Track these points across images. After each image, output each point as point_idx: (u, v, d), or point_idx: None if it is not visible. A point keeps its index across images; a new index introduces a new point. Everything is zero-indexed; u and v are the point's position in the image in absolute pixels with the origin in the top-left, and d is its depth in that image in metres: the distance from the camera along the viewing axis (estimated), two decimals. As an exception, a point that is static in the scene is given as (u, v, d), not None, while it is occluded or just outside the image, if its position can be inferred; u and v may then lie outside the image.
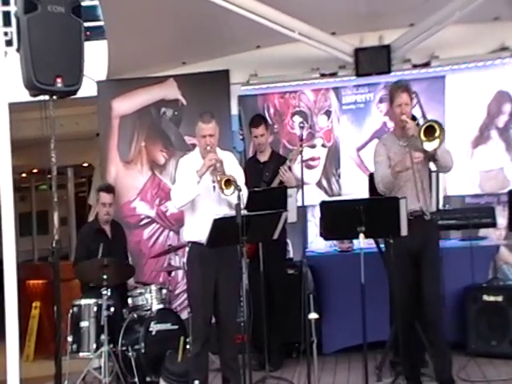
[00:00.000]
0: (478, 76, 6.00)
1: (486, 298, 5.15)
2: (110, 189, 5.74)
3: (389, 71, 5.95)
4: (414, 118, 4.49)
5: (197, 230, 4.33)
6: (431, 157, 4.22)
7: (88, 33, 5.71)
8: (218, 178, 4.22)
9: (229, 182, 4.16)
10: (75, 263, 5.39)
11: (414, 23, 5.79)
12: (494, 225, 5.43)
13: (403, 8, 5.49)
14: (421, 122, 4.50)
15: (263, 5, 5.42)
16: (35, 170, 9.89)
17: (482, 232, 5.60)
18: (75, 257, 5.62)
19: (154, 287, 5.29)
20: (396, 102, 4.35)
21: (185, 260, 4.73)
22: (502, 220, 5.40)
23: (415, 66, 6.02)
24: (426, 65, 5.97)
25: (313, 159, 6.33)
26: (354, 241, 5.24)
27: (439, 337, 4.32)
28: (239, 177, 4.37)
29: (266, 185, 5.33)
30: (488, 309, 5.13)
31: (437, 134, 4.08)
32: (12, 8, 6.82)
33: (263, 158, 5.59)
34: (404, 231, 4.20)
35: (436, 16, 5.50)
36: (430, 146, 4.11)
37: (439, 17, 5.49)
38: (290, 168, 5.30)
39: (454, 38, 5.79)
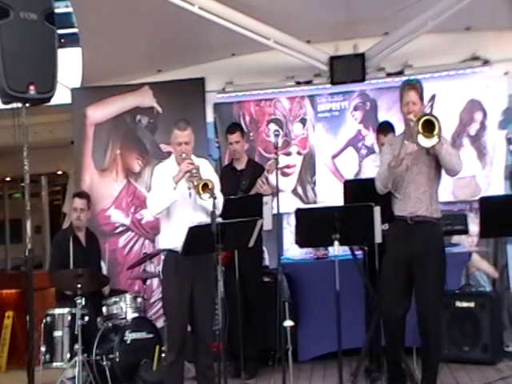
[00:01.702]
0: (451, 85, 6.08)
1: (458, 304, 5.19)
2: (82, 195, 5.74)
3: (363, 79, 6.00)
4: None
5: (172, 237, 4.30)
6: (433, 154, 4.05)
7: (62, 40, 5.68)
8: (195, 183, 4.19)
9: (206, 187, 4.15)
10: (50, 271, 5.35)
11: (388, 32, 5.86)
12: (466, 232, 5.48)
13: (377, 17, 5.56)
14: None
15: (238, 13, 5.44)
16: (8, 178, 9.77)
17: (455, 239, 5.65)
18: (50, 265, 5.58)
19: (128, 296, 5.26)
20: (403, 101, 4.17)
21: (160, 268, 4.71)
22: (474, 227, 5.44)
23: (389, 75, 6.09)
24: (400, 73, 6.03)
25: (288, 167, 6.34)
26: (330, 248, 5.26)
27: (432, 351, 4.16)
28: (215, 184, 4.36)
29: (244, 193, 5.32)
30: (460, 315, 5.18)
31: (435, 131, 3.90)
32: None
33: (240, 166, 5.58)
34: (378, 238, 4.23)
35: (409, 25, 5.58)
36: (425, 142, 3.94)
37: (412, 26, 5.57)
38: (267, 179, 5.29)
39: (427, 47, 5.87)
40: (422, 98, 4.22)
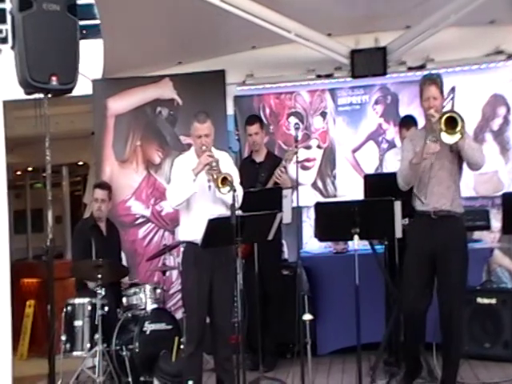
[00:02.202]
0: (473, 79, 6.01)
1: (479, 300, 5.16)
2: (104, 186, 5.76)
3: (384, 73, 5.96)
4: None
5: (192, 229, 4.31)
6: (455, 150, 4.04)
7: (84, 31, 5.70)
8: (215, 177, 4.20)
9: (225, 180, 4.15)
10: (73, 261, 5.40)
11: (410, 25, 5.81)
12: (488, 227, 5.43)
13: (399, 10, 5.51)
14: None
15: (259, 5, 5.42)
16: (30, 168, 9.88)
17: (476, 235, 5.60)
18: (72, 254, 5.64)
19: (148, 287, 5.28)
20: (424, 96, 4.14)
21: (180, 260, 4.73)
22: (496, 223, 5.39)
23: (411, 69, 6.04)
24: (422, 67, 5.98)
25: (308, 160, 6.33)
26: (349, 242, 5.24)
27: (453, 347, 4.15)
28: (234, 177, 4.36)
29: (262, 186, 5.32)
30: (482, 311, 5.14)
31: (458, 128, 3.87)
32: (7, 5, 6.80)
33: (259, 158, 5.58)
34: (398, 233, 4.21)
35: (431, 19, 5.52)
36: (448, 139, 3.91)
37: (435, 19, 5.51)
38: (285, 169, 5.29)
39: (449, 40, 5.81)
40: (442, 92, 4.20)
